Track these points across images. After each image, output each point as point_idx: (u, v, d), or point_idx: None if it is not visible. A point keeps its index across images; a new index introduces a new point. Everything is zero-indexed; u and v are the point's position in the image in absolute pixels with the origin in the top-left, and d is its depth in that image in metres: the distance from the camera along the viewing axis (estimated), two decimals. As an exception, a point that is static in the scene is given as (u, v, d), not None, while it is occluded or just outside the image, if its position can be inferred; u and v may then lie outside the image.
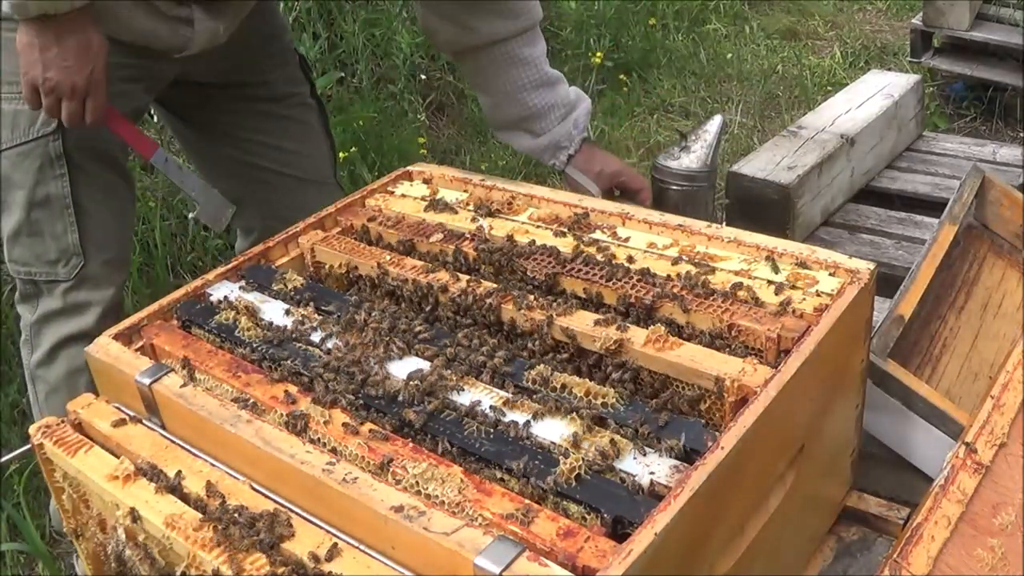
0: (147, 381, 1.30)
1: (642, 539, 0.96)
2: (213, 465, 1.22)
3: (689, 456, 1.12)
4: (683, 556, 1.05)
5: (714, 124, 2.33)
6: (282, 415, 1.23)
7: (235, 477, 1.19)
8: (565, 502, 1.08)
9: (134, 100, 1.88)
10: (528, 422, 1.18)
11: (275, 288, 1.53)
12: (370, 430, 1.19)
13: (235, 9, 1.86)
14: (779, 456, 1.26)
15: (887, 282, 1.80)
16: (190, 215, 1.77)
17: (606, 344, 1.30)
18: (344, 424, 1.20)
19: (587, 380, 1.25)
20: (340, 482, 1.09)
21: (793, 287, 1.37)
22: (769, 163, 2.62)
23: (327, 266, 1.62)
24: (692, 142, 2.18)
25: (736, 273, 1.41)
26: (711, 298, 1.35)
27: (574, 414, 1.18)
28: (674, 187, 2.17)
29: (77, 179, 1.78)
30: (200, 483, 1.18)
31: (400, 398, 1.24)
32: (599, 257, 1.48)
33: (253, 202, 2.09)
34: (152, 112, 2.44)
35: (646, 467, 1.10)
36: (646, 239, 1.53)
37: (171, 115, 2.15)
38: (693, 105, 4.45)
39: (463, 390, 1.25)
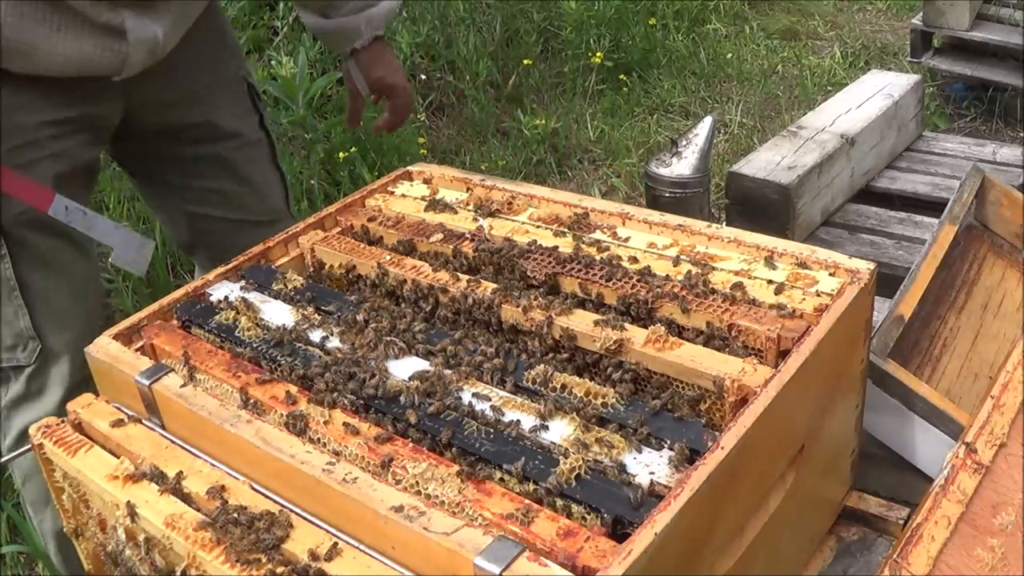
0: (147, 381, 1.30)
1: (642, 539, 0.96)
2: (213, 465, 1.22)
3: (689, 456, 1.12)
4: (683, 556, 1.05)
5: (704, 127, 2.34)
6: (282, 415, 1.23)
7: (235, 477, 1.19)
8: (565, 502, 1.08)
9: (82, 155, 1.70)
10: (528, 422, 1.18)
11: (275, 288, 1.53)
12: (370, 430, 1.19)
13: (174, 10, 1.68)
14: (779, 456, 1.26)
15: (887, 282, 1.80)
16: (109, 260, 1.61)
17: (606, 344, 1.30)
18: (344, 424, 1.20)
19: (587, 380, 1.25)
20: (340, 482, 1.09)
21: (793, 287, 1.37)
22: (769, 163, 2.62)
23: (327, 266, 1.62)
24: (683, 147, 2.18)
25: (736, 273, 1.41)
26: (711, 298, 1.35)
27: (574, 414, 1.18)
28: (667, 194, 2.18)
29: (19, 256, 1.62)
30: (200, 483, 1.18)
31: (400, 398, 1.24)
32: (599, 257, 1.48)
33: (206, 249, 1.98)
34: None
35: (646, 467, 1.10)
36: (646, 239, 1.53)
37: (123, 170, 2.04)
38: (693, 105, 4.46)
39: (463, 390, 1.25)
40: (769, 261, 1.43)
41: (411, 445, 1.16)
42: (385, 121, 2.06)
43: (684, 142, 2.32)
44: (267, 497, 1.15)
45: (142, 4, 1.60)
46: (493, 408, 1.21)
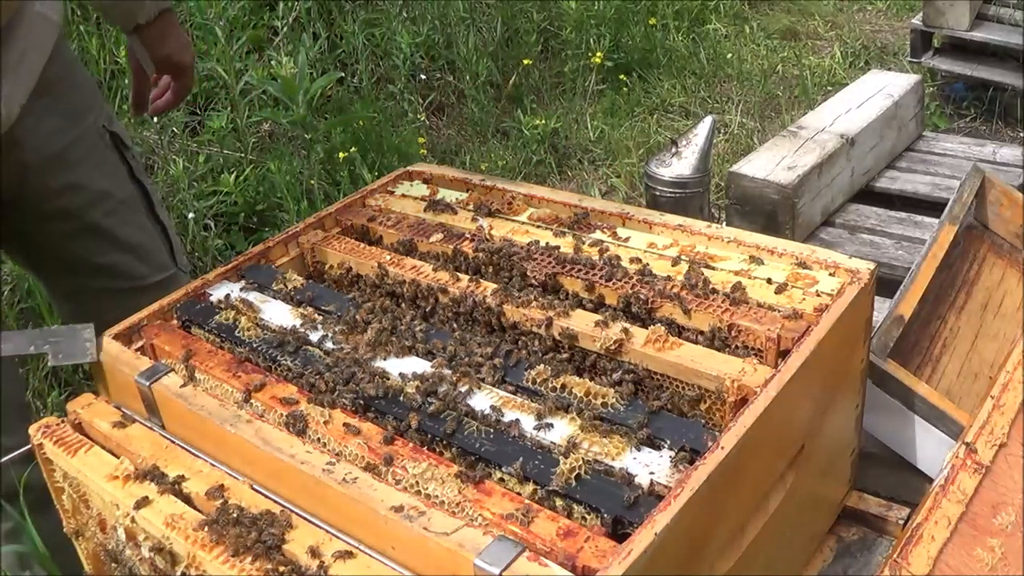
0: (147, 381, 1.30)
1: (642, 539, 0.96)
2: (213, 465, 1.22)
3: (689, 456, 1.11)
4: (683, 556, 1.05)
5: (704, 127, 2.34)
6: (282, 415, 1.23)
7: (235, 477, 1.19)
8: (565, 502, 1.08)
9: None
10: (528, 422, 1.18)
11: (275, 288, 1.53)
12: (370, 430, 1.19)
13: (10, 58, 1.49)
14: (779, 456, 1.26)
15: (887, 282, 1.80)
16: (50, 364, 1.49)
17: (606, 344, 1.30)
18: (344, 424, 1.20)
19: (587, 380, 1.25)
20: (340, 482, 1.09)
21: (793, 287, 1.37)
22: (769, 163, 2.62)
23: (327, 266, 1.62)
24: (683, 147, 2.18)
25: (736, 273, 1.41)
26: (711, 298, 1.35)
27: (574, 414, 1.18)
28: (667, 194, 2.18)
29: None
30: (200, 483, 1.18)
31: (400, 398, 1.24)
32: (599, 257, 1.48)
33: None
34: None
35: (646, 467, 1.10)
36: (646, 239, 1.53)
37: (11, 260, 1.83)
38: (693, 105, 4.45)
39: (463, 390, 1.25)
40: (756, 261, 1.44)
41: (411, 445, 1.16)
42: (165, 101, 1.83)
43: (684, 142, 2.32)
44: (267, 497, 1.15)
45: None
46: (493, 408, 1.21)
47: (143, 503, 1.16)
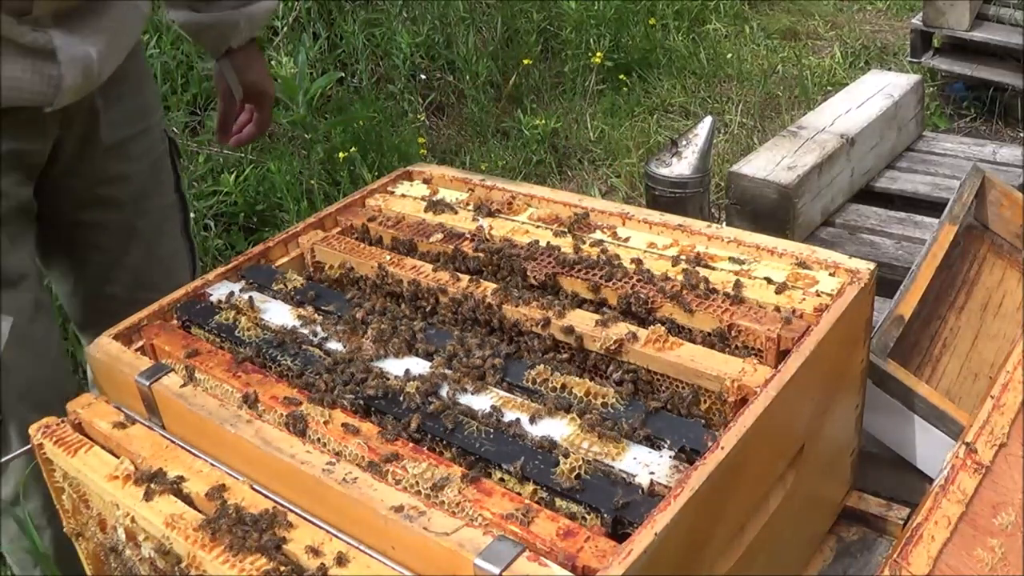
0: (147, 381, 1.30)
1: (642, 539, 0.96)
2: (213, 465, 1.22)
3: (689, 456, 1.12)
4: (683, 556, 1.05)
5: (704, 127, 2.34)
6: (282, 415, 1.23)
7: (235, 477, 1.19)
8: (565, 502, 1.08)
9: (17, 194, 1.56)
10: (528, 422, 1.18)
11: (275, 288, 1.53)
12: (370, 430, 1.19)
13: (105, 30, 1.52)
14: (779, 456, 1.26)
15: (887, 282, 1.80)
16: None
17: (606, 344, 1.30)
18: (344, 424, 1.20)
19: (587, 380, 1.25)
20: (340, 482, 1.09)
21: (793, 287, 1.37)
22: (769, 163, 2.62)
23: (327, 266, 1.62)
24: (683, 147, 2.18)
25: (736, 273, 1.41)
26: (711, 298, 1.35)
27: (574, 414, 1.18)
28: (667, 194, 2.18)
29: None
30: (200, 483, 1.18)
31: (400, 398, 1.24)
32: (599, 257, 1.48)
33: (101, 328, 1.68)
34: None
35: (646, 467, 1.10)
36: (646, 239, 1.53)
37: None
38: (693, 105, 4.46)
39: (463, 390, 1.25)
40: (735, 257, 1.44)
41: (411, 445, 1.16)
42: (248, 133, 1.88)
43: (684, 142, 2.32)
44: (267, 497, 1.15)
45: (70, 22, 1.46)
46: (493, 408, 1.21)
47: (143, 503, 1.16)
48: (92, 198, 1.69)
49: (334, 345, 1.37)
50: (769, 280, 1.38)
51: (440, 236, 1.59)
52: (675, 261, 1.46)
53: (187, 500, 1.17)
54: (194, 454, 1.24)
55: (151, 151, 1.75)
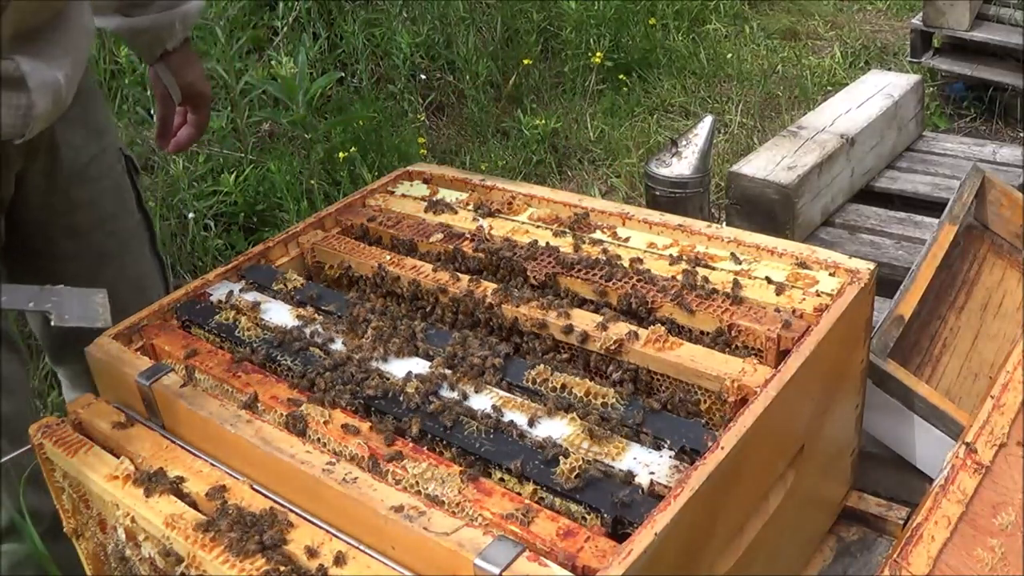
0: (147, 381, 1.30)
1: (642, 539, 0.96)
2: (213, 465, 1.22)
3: (689, 456, 1.11)
4: (683, 556, 1.05)
5: (704, 127, 2.34)
6: (282, 415, 1.23)
7: (235, 477, 1.19)
8: (565, 502, 1.08)
9: None
10: (528, 422, 1.18)
11: (275, 288, 1.53)
12: (370, 430, 1.19)
13: (67, 45, 1.47)
14: (779, 456, 1.26)
15: (887, 282, 1.80)
16: (52, 323, 1.31)
17: (606, 344, 1.30)
18: (344, 424, 1.20)
19: (587, 380, 1.25)
20: (340, 482, 1.09)
21: (793, 287, 1.37)
22: (769, 163, 2.62)
23: (327, 266, 1.62)
24: (683, 147, 2.18)
25: (736, 273, 1.41)
26: (711, 298, 1.35)
27: (574, 414, 1.18)
28: (667, 194, 2.18)
29: None
30: (200, 483, 1.18)
31: (400, 398, 1.24)
32: (599, 257, 1.48)
33: (75, 357, 1.62)
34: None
35: (646, 467, 1.10)
36: (646, 239, 1.53)
37: None
38: (693, 105, 4.45)
39: (463, 390, 1.25)
40: (731, 256, 1.44)
41: (411, 445, 1.16)
42: (187, 135, 1.80)
43: (684, 142, 2.32)
44: (267, 497, 1.15)
45: (33, 46, 1.40)
46: (493, 408, 1.21)
47: (143, 503, 1.16)
48: (61, 229, 1.64)
49: (334, 345, 1.37)
50: (769, 280, 1.38)
51: (440, 236, 1.59)
52: (675, 261, 1.46)
53: (187, 500, 1.17)
54: (194, 454, 1.25)
55: (111, 171, 1.70)
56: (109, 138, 1.71)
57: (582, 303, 1.42)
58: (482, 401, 1.22)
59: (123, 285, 1.69)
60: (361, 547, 1.07)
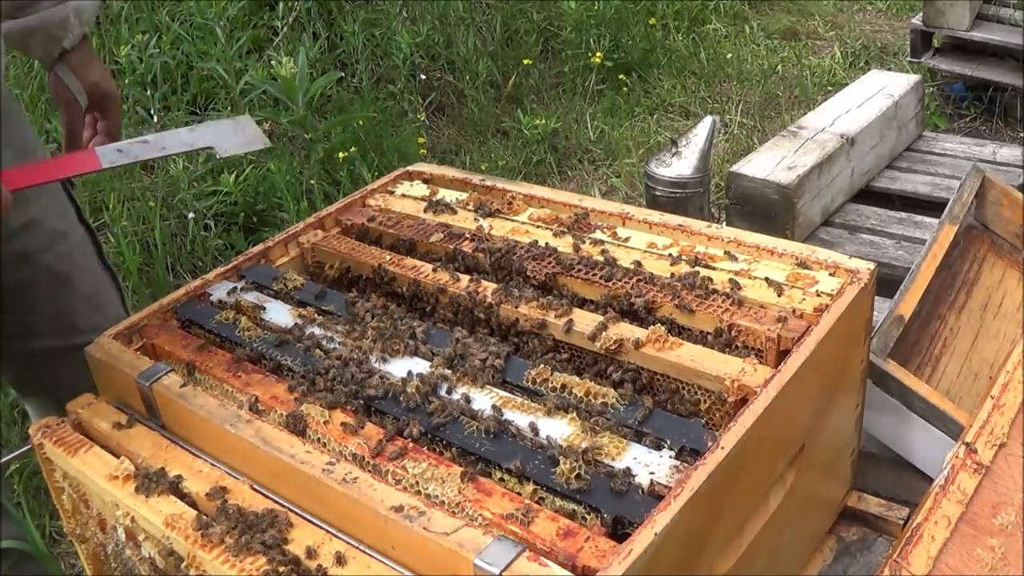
0: (147, 381, 1.30)
1: (642, 539, 0.96)
2: (213, 465, 1.22)
3: (689, 456, 1.11)
4: (683, 556, 1.05)
5: (704, 127, 2.34)
6: (282, 415, 1.23)
7: (235, 477, 1.19)
8: (565, 502, 1.08)
9: None
10: (528, 422, 1.18)
11: (275, 288, 1.53)
12: (370, 430, 1.19)
13: None
14: (779, 456, 1.26)
15: (887, 282, 1.80)
16: (218, 157, 1.31)
17: (606, 344, 1.30)
18: (344, 424, 1.20)
19: (587, 380, 1.25)
20: (340, 482, 1.09)
21: (793, 287, 1.37)
22: (769, 163, 2.62)
23: (327, 266, 1.62)
24: (683, 147, 2.18)
25: (736, 273, 1.41)
26: (711, 298, 1.35)
27: (574, 414, 1.18)
28: (667, 194, 2.18)
29: None
30: (200, 483, 1.18)
31: (400, 398, 1.24)
32: (599, 257, 1.48)
33: (41, 386, 1.65)
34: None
35: (646, 467, 1.10)
36: (646, 239, 1.53)
37: None
38: (693, 105, 4.45)
39: (464, 390, 1.25)
40: (730, 255, 1.44)
41: (411, 445, 1.16)
42: (98, 144, 1.59)
43: (684, 142, 2.32)
44: (267, 497, 1.15)
45: None
46: (493, 408, 1.21)
47: (143, 503, 1.16)
48: (9, 256, 1.58)
49: (334, 345, 1.37)
50: (769, 280, 1.38)
51: (440, 236, 1.59)
52: (675, 261, 1.46)
53: (187, 500, 1.17)
54: (194, 454, 1.25)
55: (45, 188, 1.59)
56: (39, 154, 1.63)
57: (582, 303, 1.42)
58: (482, 401, 1.22)
59: (80, 304, 1.65)
60: (361, 547, 1.07)
